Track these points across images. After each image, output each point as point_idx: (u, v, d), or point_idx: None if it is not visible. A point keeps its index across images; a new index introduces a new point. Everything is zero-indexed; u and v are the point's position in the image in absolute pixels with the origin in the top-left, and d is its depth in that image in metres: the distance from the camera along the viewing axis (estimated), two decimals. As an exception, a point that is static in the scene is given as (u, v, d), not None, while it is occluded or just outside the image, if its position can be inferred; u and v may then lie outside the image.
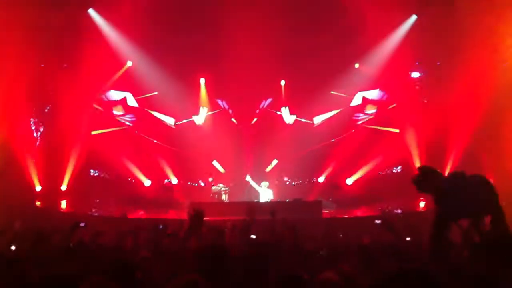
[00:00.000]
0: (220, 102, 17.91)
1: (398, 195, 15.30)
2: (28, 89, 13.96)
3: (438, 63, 15.60)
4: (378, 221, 5.02)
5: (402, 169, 17.14)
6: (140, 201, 16.04)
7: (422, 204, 14.63)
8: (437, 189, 2.18)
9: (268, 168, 17.25)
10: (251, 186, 15.60)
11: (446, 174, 3.55)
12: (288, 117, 17.76)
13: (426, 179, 2.40)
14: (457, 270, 2.55)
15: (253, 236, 6.06)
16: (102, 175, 17.33)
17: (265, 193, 15.25)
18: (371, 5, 14.03)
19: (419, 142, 15.87)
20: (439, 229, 2.14)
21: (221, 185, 16.28)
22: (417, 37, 14.83)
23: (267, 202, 14.86)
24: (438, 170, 2.56)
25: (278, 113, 17.75)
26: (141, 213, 15.07)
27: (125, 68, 16.28)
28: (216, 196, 15.89)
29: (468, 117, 13.71)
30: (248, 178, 15.73)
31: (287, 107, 17.74)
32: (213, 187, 16.24)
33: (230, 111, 17.93)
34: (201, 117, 17.65)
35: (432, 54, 15.17)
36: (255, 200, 15.06)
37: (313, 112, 17.62)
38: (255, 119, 17.89)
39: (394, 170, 17.45)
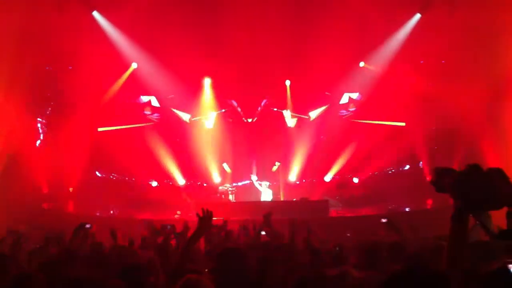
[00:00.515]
0: (229, 101, 17.94)
1: (406, 194, 15.31)
2: (32, 91, 14.04)
3: (443, 62, 15.54)
4: (384, 220, 5.01)
5: (410, 168, 17.13)
6: (147, 202, 16.06)
7: (430, 202, 14.59)
8: (453, 184, 2.16)
9: (274, 168, 17.25)
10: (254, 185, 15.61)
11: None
12: (289, 120, 17.79)
13: (443, 178, 2.38)
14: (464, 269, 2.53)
15: (263, 233, 6.07)
16: (109, 176, 17.39)
17: (267, 193, 15.20)
18: (374, 4, 14.00)
19: (425, 141, 15.87)
20: (458, 224, 2.12)
21: (227, 185, 16.32)
22: (421, 36, 14.79)
23: (270, 202, 14.92)
24: (452, 168, 2.54)
25: (281, 110, 17.77)
26: (148, 214, 15.10)
27: (130, 70, 16.33)
28: (223, 196, 15.92)
29: (474, 115, 13.68)
30: (253, 177, 15.72)
31: (288, 110, 17.73)
32: (220, 187, 16.29)
33: (239, 109, 17.95)
34: (210, 120, 17.72)
35: (436, 52, 15.12)
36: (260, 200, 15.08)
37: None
38: (255, 118, 17.88)
39: (403, 168, 17.43)
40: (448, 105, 14.28)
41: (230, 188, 16.05)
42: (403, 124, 16.54)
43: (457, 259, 2.08)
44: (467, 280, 2.24)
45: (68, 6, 13.50)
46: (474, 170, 2.18)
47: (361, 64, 16.53)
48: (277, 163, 16.73)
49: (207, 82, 17.31)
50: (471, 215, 2.25)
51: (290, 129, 17.69)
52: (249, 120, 17.80)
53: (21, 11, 12.29)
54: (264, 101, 17.85)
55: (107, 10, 14.73)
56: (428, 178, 16.25)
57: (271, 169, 16.92)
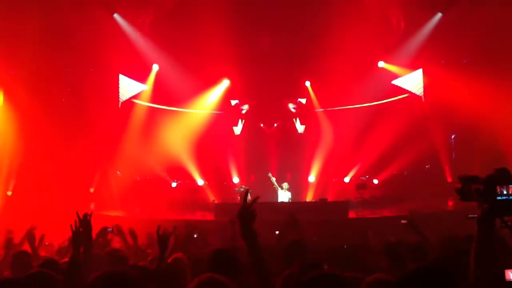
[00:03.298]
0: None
1: (427, 194, 15.15)
2: (54, 92, 14.23)
3: (464, 61, 15.35)
4: (403, 221, 4.96)
5: (431, 168, 16.96)
6: (168, 202, 16.14)
7: (451, 203, 14.42)
8: (483, 188, 2.11)
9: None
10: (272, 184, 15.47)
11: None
12: (299, 127, 18.30)
13: (469, 185, 2.34)
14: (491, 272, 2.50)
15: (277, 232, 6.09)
16: (130, 176, 17.54)
17: (284, 194, 15.00)
18: (395, 4, 13.88)
19: (445, 141, 15.72)
20: (485, 228, 2.09)
21: (243, 186, 16.35)
22: (442, 35, 14.62)
23: (289, 203, 14.79)
24: (478, 176, 2.50)
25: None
26: (168, 215, 15.15)
27: (153, 73, 16.46)
28: (239, 197, 15.93)
29: (495, 116, 13.51)
30: (270, 175, 15.58)
31: (297, 118, 18.21)
32: (236, 189, 16.35)
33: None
34: (239, 127, 18.27)
35: (458, 52, 14.94)
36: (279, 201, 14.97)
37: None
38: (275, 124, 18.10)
39: (423, 169, 17.30)
40: (469, 105, 14.12)
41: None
42: (406, 95, 16.62)
43: (484, 263, 2.05)
44: (494, 284, 2.21)
45: (89, 8, 13.61)
46: (503, 173, 2.15)
47: (380, 64, 16.39)
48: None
49: (225, 84, 17.40)
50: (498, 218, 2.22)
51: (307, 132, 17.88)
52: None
53: (43, 13, 12.50)
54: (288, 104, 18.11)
55: (128, 12, 14.81)
56: (449, 179, 16.09)
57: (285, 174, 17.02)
